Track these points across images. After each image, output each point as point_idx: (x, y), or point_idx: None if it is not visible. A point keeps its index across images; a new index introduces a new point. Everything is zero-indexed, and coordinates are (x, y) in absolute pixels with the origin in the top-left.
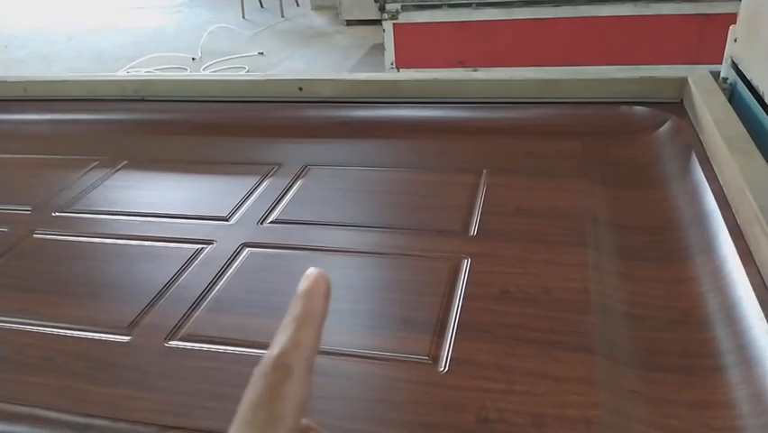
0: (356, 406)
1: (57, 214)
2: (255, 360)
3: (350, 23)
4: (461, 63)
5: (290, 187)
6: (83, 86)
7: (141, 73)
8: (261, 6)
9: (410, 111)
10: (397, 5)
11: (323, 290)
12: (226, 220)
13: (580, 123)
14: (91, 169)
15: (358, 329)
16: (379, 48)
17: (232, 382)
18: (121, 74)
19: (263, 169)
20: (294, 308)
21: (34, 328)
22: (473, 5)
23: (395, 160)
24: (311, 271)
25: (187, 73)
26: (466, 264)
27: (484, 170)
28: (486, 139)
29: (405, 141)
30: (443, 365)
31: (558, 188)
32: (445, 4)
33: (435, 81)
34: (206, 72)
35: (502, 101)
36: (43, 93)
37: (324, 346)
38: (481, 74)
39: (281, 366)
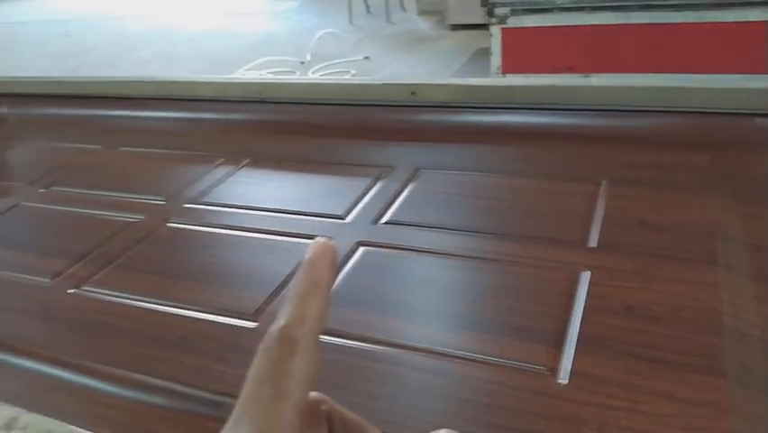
0: (468, 409)
1: (187, 205)
2: (371, 355)
3: (455, 27)
4: (571, 68)
5: (403, 189)
6: (211, 87)
7: (255, 75)
8: (368, 12)
9: (524, 117)
10: (506, 9)
11: (328, 259)
12: (342, 219)
13: (709, 134)
14: (218, 165)
15: (469, 333)
16: (483, 53)
17: (348, 373)
18: (238, 76)
19: (376, 171)
20: (299, 279)
21: (169, 309)
22: (586, 9)
23: (507, 166)
24: (317, 239)
25: (306, 76)
26: (585, 276)
27: (603, 181)
28: (605, 148)
29: (518, 147)
30: (563, 378)
31: (685, 203)
32: (557, 8)
33: (552, 87)
34: (315, 75)
35: (622, 109)
36: (175, 93)
37: (434, 347)
38: (600, 80)
39: (286, 340)
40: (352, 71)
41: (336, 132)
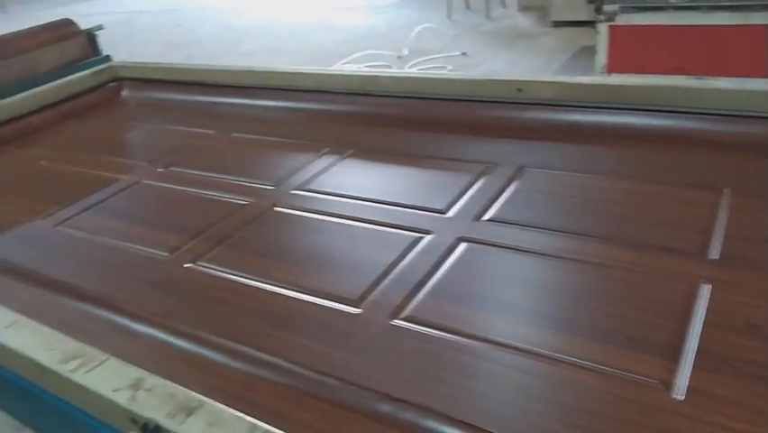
0: (574, 415)
1: (294, 192)
2: (469, 350)
3: (557, 24)
4: (683, 70)
5: (506, 187)
6: (316, 78)
7: (354, 68)
8: (467, 7)
9: (636, 118)
10: (615, 6)
11: None
12: (443, 213)
13: None
14: (323, 154)
15: (575, 338)
16: (586, 51)
17: (448, 367)
18: (337, 68)
19: (479, 167)
20: None
21: (276, 289)
22: (703, 9)
23: (616, 168)
24: None
25: (408, 70)
26: (705, 290)
27: (725, 189)
28: (727, 155)
29: (628, 149)
30: (678, 393)
31: None
32: (670, 7)
33: (669, 88)
34: (412, 70)
35: (747, 114)
36: (282, 83)
37: (537, 348)
38: (724, 82)
39: None
40: (449, 67)
41: (439, 126)
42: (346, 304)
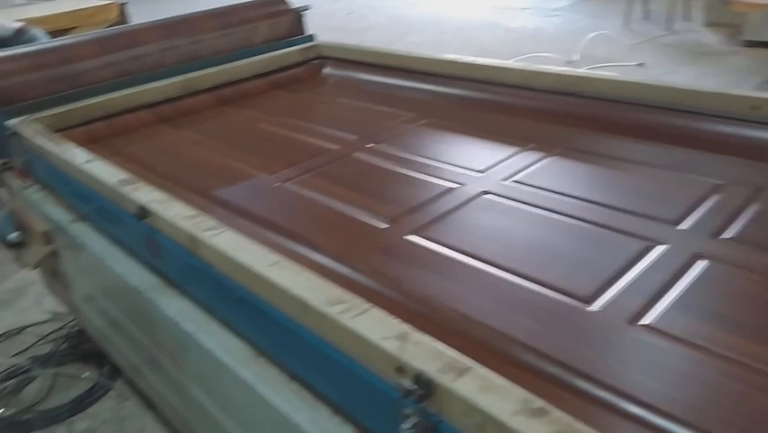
0: None
1: (504, 182)
2: (720, 369)
3: (750, 43)
4: None
5: (745, 206)
6: (521, 74)
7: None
8: (646, 17)
9: None
10: None
11: None
12: (674, 225)
13: None
14: (529, 149)
15: None
16: None
17: (702, 382)
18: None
19: (708, 182)
20: None
21: (505, 275)
22: None
23: None
24: None
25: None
26: None
27: None
28: None
29: None
30: None
31: None
32: None
33: None
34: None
35: None
36: (486, 75)
37: None
38: None
39: None
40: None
41: (655, 136)
42: (577, 300)
